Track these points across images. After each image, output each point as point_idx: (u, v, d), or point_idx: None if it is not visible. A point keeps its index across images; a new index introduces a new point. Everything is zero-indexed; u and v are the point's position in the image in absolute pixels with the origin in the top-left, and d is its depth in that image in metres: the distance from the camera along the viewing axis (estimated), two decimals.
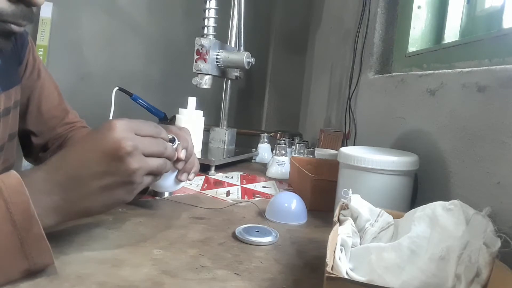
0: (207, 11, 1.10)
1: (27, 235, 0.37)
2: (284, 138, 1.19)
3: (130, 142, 0.43)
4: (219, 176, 0.98)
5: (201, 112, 1.07)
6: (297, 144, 1.08)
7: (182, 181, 0.61)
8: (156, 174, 0.49)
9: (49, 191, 0.41)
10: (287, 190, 0.88)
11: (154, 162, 0.47)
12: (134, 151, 0.43)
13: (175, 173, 0.60)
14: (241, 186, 0.88)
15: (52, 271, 0.40)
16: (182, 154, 0.56)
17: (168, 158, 0.51)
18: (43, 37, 1.68)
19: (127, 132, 0.43)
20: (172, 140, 0.54)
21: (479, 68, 0.57)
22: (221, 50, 1.12)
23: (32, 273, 0.38)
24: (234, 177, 0.98)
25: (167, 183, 0.61)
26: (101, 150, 0.42)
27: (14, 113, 0.66)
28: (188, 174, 0.61)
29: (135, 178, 0.44)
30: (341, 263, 0.36)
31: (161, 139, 0.50)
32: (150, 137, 0.47)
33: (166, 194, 0.72)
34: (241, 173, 1.03)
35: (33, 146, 0.76)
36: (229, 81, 1.26)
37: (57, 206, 0.41)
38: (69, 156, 0.43)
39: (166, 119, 1.52)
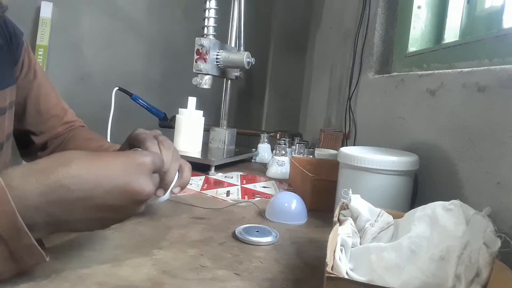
0: (207, 11, 1.10)
1: (17, 245, 0.35)
2: (284, 138, 1.19)
3: (150, 188, 0.43)
4: (219, 176, 0.98)
5: (201, 112, 1.08)
6: (297, 144, 1.08)
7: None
8: None
9: (44, 207, 0.36)
10: (287, 190, 0.88)
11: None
12: (149, 195, 0.43)
13: None
14: (241, 186, 0.88)
15: (52, 271, 0.40)
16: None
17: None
18: (43, 37, 1.68)
19: (149, 174, 0.44)
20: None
21: (479, 68, 0.57)
22: (221, 50, 1.12)
23: (24, 271, 0.37)
24: (234, 177, 0.98)
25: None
26: (124, 187, 0.40)
27: (9, 113, 0.66)
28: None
29: (132, 216, 0.45)
30: (341, 263, 0.36)
31: (167, 176, 0.54)
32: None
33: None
34: (241, 173, 1.03)
35: (33, 145, 0.76)
36: (229, 81, 1.26)
37: (47, 223, 0.37)
38: (80, 174, 0.38)
39: (166, 119, 1.52)
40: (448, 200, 0.41)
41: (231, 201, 0.74)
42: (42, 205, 0.36)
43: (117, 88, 1.33)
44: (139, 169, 0.42)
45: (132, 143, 0.58)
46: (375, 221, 0.47)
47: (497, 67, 0.52)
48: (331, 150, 1.06)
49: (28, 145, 0.76)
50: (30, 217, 0.35)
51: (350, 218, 0.46)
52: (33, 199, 0.36)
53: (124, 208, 0.41)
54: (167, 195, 0.57)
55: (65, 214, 0.38)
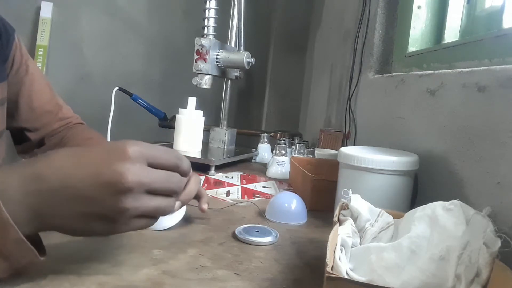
0: (207, 11, 1.10)
1: (5, 240, 0.34)
2: (284, 138, 1.19)
3: (134, 177, 0.36)
4: (219, 176, 0.98)
5: (201, 112, 1.08)
6: (297, 144, 1.08)
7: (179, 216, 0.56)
8: (154, 216, 0.41)
9: (23, 198, 0.35)
10: (287, 190, 0.88)
11: (156, 203, 0.39)
12: (136, 188, 0.36)
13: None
14: (241, 186, 0.88)
15: (52, 271, 0.40)
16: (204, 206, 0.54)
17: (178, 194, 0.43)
18: (43, 37, 1.68)
19: (137, 163, 0.37)
20: None
21: (479, 68, 0.57)
22: (221, 50, 1.12)
23: (19, 271, 0.36)
24: (234, 177, 0.98)
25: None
26: (99, 175, 0.36)
27: (1, 110, 0.65)
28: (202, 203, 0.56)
29: (120, 218, 0.37)
30: (341, 263, 0.36)
31: (178, 175, 0.42)
32: (166, 169, 0.40)
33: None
34: (241, 173, 1.03)
35: (29, 142, 0.75)
36: (229, 81, 1.26)
37: (29, 217, 0.36)
38: (59, 165, 0.37)
39: (166, 119, 1.52)
40: (448, 200, 0.41)
41: (231, 201, 0.74)
42: (22, 197, 0.35)
43: (117, 88, 1.33)
44: (118, 156, 0.37)
45: None
46: (375, 221, 0.47)
47: (497, 67, 0.52)
48: (331, 150, 1.06)
49: (24, 142, 0.76)
50: (13, 211, 0.34)
51: (350, 218, 0.46)
52: (14, 192, 0.35)
53: (102, 200, 0.36)
54: (174, 219, 0.55)
55: (44, 206, 0.36)
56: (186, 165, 0.44)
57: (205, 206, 0.56)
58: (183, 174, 0.43)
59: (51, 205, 0.36)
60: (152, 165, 0.39)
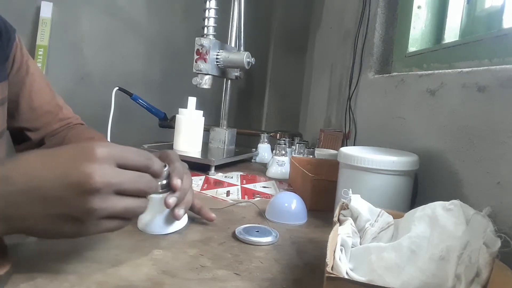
0: (207, 11, 1.10)
1: None
2: (284, 138, 1.19)
3: (101, 178, 0.36)
4: (219, 176, 0.98)
5: (201, 112, 1.08)
6: (297, 144, 1.08)
7: (177, 218, 0.53)
8: (126, 217, 0.41)
9: None
10: (287, 190, 0.88)
11: (125, 204, 0.39)
12: (104, 188, 0.36)
13: (164, 213, 0.54)
14: (241, 186, 0.88)
15: (52, 271, 0.40)
16: (175, 182, 0.51)
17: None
18: (43, 37, 1.68)
19: (105, 164, 0.37)
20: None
21: (479, 68, 0.57)
22: (221, 50, 1.12)
23: None
24: (234, 177, 0.98)
25: (155, 224, 0.54)
26: (66, 176, 0.36)
27: (2, 109, 0.65)
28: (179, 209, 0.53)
29: (89, 218, 0.37)
30: (341, 263, 0.36)
31: (148, 175, 0.42)
32: (136, 170, 0.40)
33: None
34: (241, 173, 1.03)
35: (29, 142, 0.76)
36: (229, 81, 1.26)
37: None
38: (27, 167, 0.37)
39: (166, 119, 1.52)
40: (448, 200, 0.41)
41: (231, 201, 0.74)
42: None
43: (117, 88, 1.33)
44: (85, 157, 0.37)
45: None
46: (375, 221, 0.47)
47: (497, 67, 0.52)
48: (331, 150, 1.06)
49: (24, 142, 0.76)
50: None
51: (350, 218, 0.46)
52: None
53: (69, 200, 0.36)
54: (164, 226, 0.54)
55: (12, 209, 0.36)
56: (158, 166, 0.43)
57: (212, 215, 0.59)
58: (155, 175, 0.43)
59: (19, 207, 0.36)
60: (121, 166, 0.39)
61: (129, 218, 0.41)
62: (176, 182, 0.52)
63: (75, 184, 0.35)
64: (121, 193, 0.39)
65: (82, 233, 0.38)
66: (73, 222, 0.37)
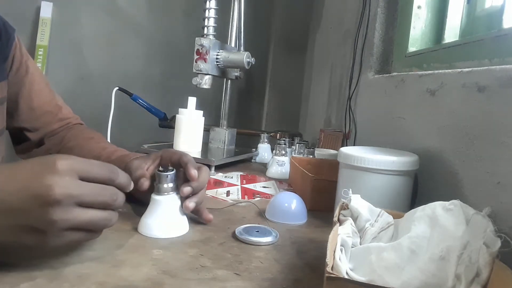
0: (207, 11, 1.10)
1: None
2: (284, 138, 1.19)
3: (62, 190, 0.36)
4: (219, 176, 0.98)
5: (201, 112, 1.08)
6: (297, 144, 1.08)
7: (187, 210, 0.54)
8: (92, 230, 0.41)
9: None
10: (287, 190, 0.88)
11: (88, 216, 0.39)
12: (64, 200, 0.37)
13: (165, 217, 0.54)
14: (241, 186, 0.88)
15: (52, 271, 0.40)
16: (193, 172, 0.53)
17: (116, 208, 0.43)
18: (43, 37, 1.68)
19: (66, 176, 0.37)
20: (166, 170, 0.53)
21: (479, 68, 0.57)
22: (221, 50, 1.12)
23: None
24: (234, 177, 0.98)
25: (155, 227, 0.53)
26: (28, 188, 0.36)
27: (1, 109, 0.65)
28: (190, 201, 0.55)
29: (50, 230, 0.37)
30: (341, 263, 0.36)
31: (113, 188, 0.42)
32: (99, 183, 0.41)
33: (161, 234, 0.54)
34: (241, 173, 1.03)
35: (29, 142, 0.75)
36: (229, 81, 1.26)
37: None
38: None
39: (166, 119, 1.52)
40: (448, 200, 0.41)
41: (231, 201, 0.74)
42: None
43: (117, 88, 1.33)
44: (47, 169, 0.37)
45: (164, 163, 0.59)
46: (375, 221, 0.47)
47: (497, 67, 0.52)
48: (331, 150, 1.06)
49: (23, 142, 0.76)
50: None
51: (350, 218, 0.46)
52: None
53: (30, 211, 0.36)
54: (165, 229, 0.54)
55: None
56: (123, 178, 0.44)
57: (210, 216, 0.60)
58: (121, 188, 0.43)
59: None
60: (83, 179, 0.39)
61: (94, 230, 0.42)
62: (194, 172, 0.53)
63: (36, 195, 0.36)
64: (84, 205, 0.39)
65: (45, 244, 0.39)
66: (35, 234, 0.38)
